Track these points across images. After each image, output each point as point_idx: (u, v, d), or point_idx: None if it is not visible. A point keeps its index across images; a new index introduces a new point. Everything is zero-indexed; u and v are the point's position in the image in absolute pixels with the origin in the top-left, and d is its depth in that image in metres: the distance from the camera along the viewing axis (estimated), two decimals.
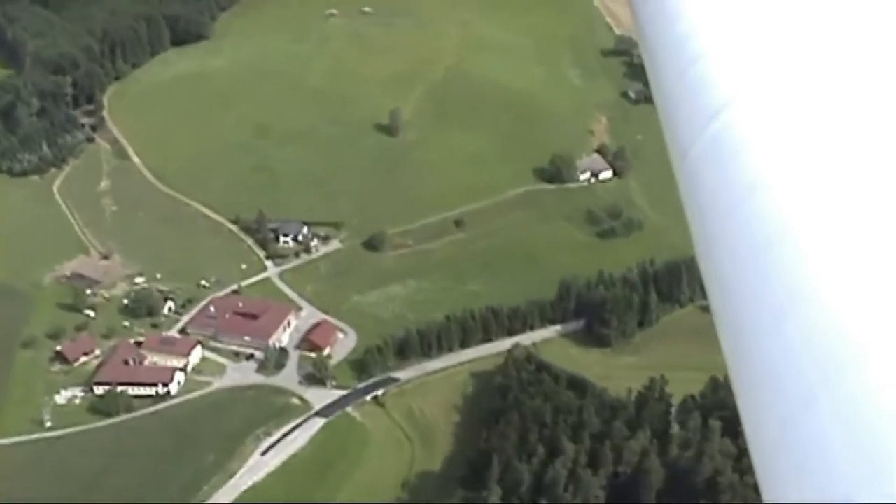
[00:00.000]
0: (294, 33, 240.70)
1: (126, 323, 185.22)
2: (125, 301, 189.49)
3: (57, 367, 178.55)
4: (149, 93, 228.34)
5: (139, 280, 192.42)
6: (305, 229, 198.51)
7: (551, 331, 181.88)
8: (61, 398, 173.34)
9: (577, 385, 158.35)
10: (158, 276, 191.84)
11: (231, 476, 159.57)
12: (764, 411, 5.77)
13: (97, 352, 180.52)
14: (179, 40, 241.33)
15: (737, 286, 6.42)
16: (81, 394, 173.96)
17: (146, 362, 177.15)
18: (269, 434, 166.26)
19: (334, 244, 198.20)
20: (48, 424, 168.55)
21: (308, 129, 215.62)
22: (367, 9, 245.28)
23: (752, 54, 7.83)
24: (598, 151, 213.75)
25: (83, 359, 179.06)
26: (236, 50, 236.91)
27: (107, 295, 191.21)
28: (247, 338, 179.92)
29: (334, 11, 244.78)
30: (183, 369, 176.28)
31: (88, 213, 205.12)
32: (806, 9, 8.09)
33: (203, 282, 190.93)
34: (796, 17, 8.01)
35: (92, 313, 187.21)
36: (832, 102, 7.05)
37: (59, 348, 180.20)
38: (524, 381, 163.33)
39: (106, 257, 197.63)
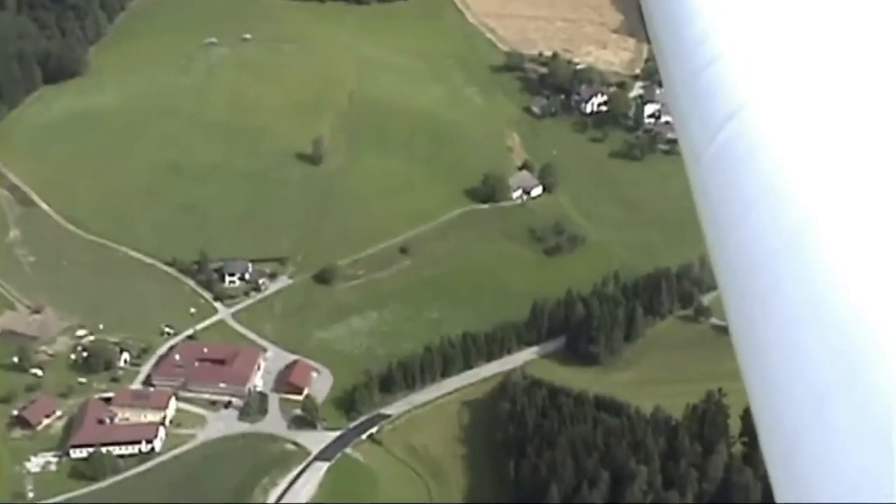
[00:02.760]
0: (175, 65, 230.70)
1: (82, 379, 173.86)
2: (73, 356, 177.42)
3: (18, 432, 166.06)
4: (38, 134, 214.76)
5: (81, 333, 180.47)
6: (251, 267, 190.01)
7: (529, 352, 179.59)
8: (33, 466, 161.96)
9: (606, 406, 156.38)
10: (101, 326, 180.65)
11: None
12: (778, 413, 5.85)
13: (58, 412, 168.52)
14: (51, 78, 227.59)
15: (751, 288, 6.51)
16: (55, 459, 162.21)
17: (119, 419, 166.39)
18: (274, 484, 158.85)
19: (283, 280, 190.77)
20: (31, 495, 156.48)
21: (223, 163, 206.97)
22: (247, 36, 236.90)
23: (766, 57, 7.98)
24: (523, 168, 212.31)
25: (45, 421, 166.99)
26: (120, 85, 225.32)
27: (50, 351, 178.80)
28: (222, 385, 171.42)
29: (214, 40, 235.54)
30: (163, 423, 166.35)
31: (4, 266, 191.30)
32: (821, 11, 8.27)
33: (166, 328, 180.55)
34: (811, 20, 8.18)
35: (39, 372, 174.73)
36: (847, 105, 7.17)
37: (16, 412, 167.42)
38: (539, 406, 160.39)
39: (37, 311, 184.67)
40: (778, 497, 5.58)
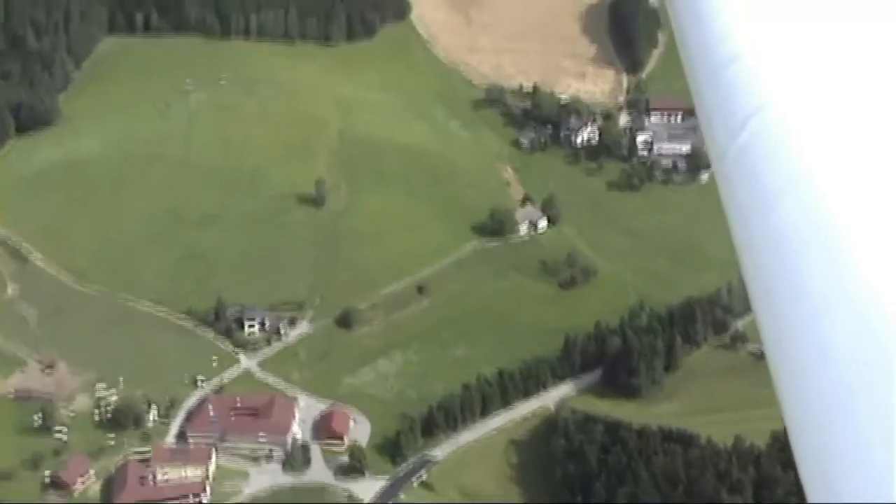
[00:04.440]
0: (152, 110, 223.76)
1: (111, 437, 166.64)
2: (97, 414, 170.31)
3: (53, 496, 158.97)
4: (21, 185, 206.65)
5: (101, 389, 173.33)
6: (269, 314, 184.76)
7: (565, 388, 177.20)
8: None
9: (675, 438, 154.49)
10: (121, 382, 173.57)
11: None
12: (806, 408, 6.01)
13: (91, 472, 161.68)
14: (23, 128, 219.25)
15: (778, 282, 6.70)
16: None
17: (160, 477, 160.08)
18: None
19: (303, 326, 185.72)
20: None
21: (222, 209, 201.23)
22: (223, 79, 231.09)
23: (788, 54, 8.21)
24: (525, 202, 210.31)
25: (80, 483, 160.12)
26: (98, 132, 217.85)
27: (71, 410, 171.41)
28: (261, 436, 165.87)
29: (189, 84, 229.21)
30: (206, 479, 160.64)
31: (7, 325, 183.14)
32: (840, 9, 8.54)
33: (199, 379, 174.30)
34: (831, 17, 8.45)
35: (65, 431, 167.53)
36: (868, 101, 7.41)
37: (49, 475, 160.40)
38: (597, 442, 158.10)
39: (50, 366, 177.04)
40: (809, 497, 5.69)
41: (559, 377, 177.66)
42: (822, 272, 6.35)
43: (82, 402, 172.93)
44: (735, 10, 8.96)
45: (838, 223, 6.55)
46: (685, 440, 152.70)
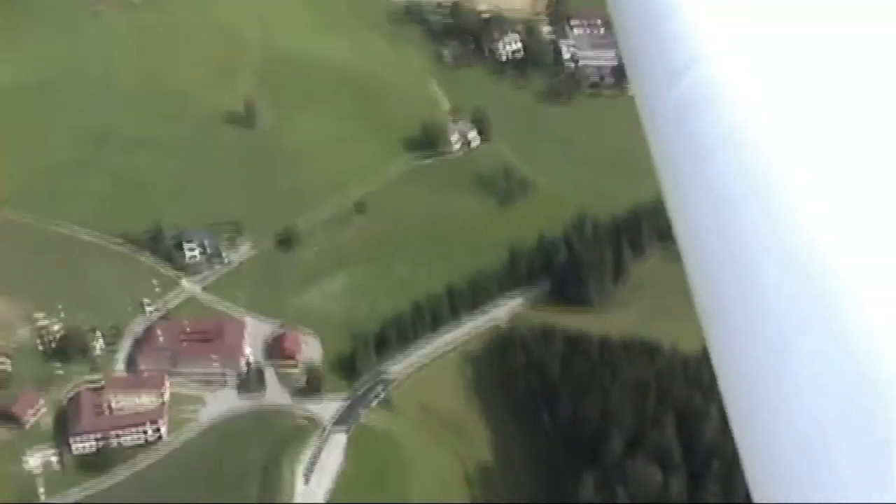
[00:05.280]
0: (61, 33, 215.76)
1: (58, 367, 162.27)
2: (39, 344, 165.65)
3: (5, 430, 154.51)
4: None
5: (40, 318, 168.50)
6: (210, 237, 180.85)
7: (514, 301, 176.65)
8: (32, 464, 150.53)
9: (638, 347, 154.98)
10: (61, 311, 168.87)
11: None
12: (740, 360, 5.98)
13: (43, 405, 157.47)
14: None
15: (715, 236, 6.72)
16: (55, 455, 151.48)
17: (114, 406, 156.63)
18: (298, 460, 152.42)
19: (244, 248, 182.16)
20: (42, 496, 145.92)
21: (149, 132, 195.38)
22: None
23: (725, 6, 8.21)
24: (454, 117, 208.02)
25: (32, 415, 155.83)
26: (9, 57, 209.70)
27: (12, 341, 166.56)
28: (214, 361, 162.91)
29: (100, 6, 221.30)
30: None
31: None
32: None
33: (145, 303, 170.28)
34: None
35: (8, 364, 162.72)
36: (811, 50, 7.46)
37: None
38: (558, 354, 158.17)
39: None
40: (755, 497, 5.47)
41: (507, 291, 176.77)
42: (758, 226, 6.14)
43: (23, 332, 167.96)
44: None
45: (777, 176, 6.34)
46: (649, 349, 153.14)
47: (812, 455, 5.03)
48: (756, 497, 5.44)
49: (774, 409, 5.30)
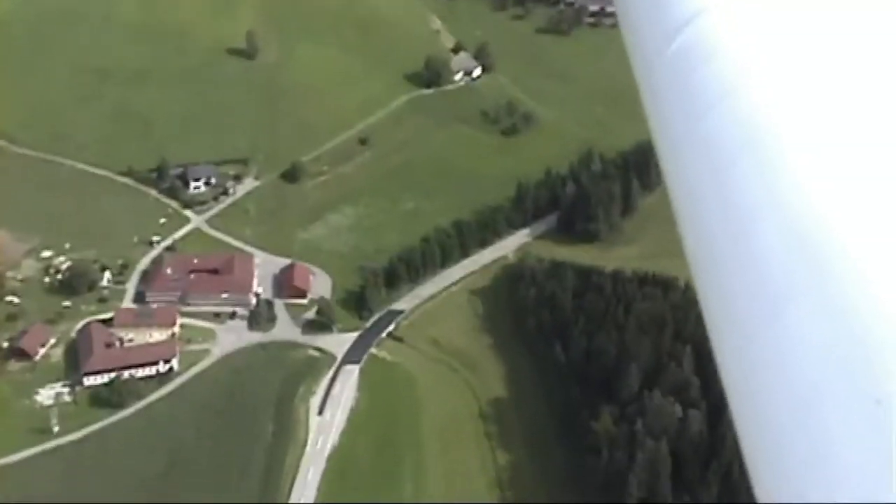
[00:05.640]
0: None
1: (66, 303, 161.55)
2: (47, 279, 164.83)
3: (15, 365, 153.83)
4: None
5: (47, 254, 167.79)
6: (214, 170, 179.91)
7: (521, 235, 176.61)
8: (45, 398, 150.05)
9: (652, 282, 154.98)
10: (67, 246, 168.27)
11: (304, 444, 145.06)
12: (735, 313, 5.96)
13: (53, 340, 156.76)
14: None
15: (706, 193, 6.73)
16: (67, 389, 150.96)
17: (125, 339, 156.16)
18: (312, 393, 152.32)
19: (250, 182, 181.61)
20: (56, 430, 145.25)
21: (152, 66, 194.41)
22: None
23: None
24: (457, 50, 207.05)
25: (42, 350, 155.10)
26: None
27: (19, 276, 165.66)
28: (224, 295, 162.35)
29: None
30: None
31: None
32: None
33: (154, 238, 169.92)
34: None
35: (16, 299, 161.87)
36: (806, 10, 7.45)
37: (7, 344, 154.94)
38: (570, 289, 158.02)
39: None
40: (729, 384, 5.58)
41: (514, 226, 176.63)
42: (754, 180, 6.10)
43: (29, 267, 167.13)
44: None
45: (773, 131, 6.31)
46: (663, 283, 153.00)
47: (804, 413, 4.97)
48: (748, 457, 5.41)
49: (768, 369, 5.26)
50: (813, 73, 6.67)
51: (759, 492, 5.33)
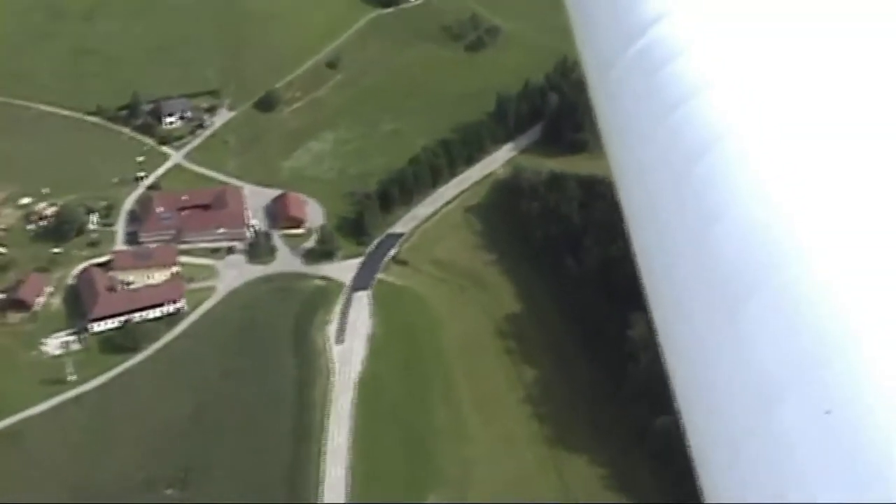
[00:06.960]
0: None
1: (56, 249, 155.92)
2: (30, 227, 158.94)
3: (16, 316, 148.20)
4: None
5: (25, 201, 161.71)
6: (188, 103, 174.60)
7: (507, 149, 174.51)
8: (52, 349, 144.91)
9: None
10: (45, 191, 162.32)
11: (329, 375, 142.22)
12: (688, 323, 6.00)
13: (49, 289, 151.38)
14: None
15: (666, 194, 6.65)
16: (73, 338, 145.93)
17: (127, 282, 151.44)
18: (327, 321, 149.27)
19: (224, 113, 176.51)
20: (72, 378, 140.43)
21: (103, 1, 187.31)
22: None
23: None
24: None
25: (40, 300, 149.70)
26: None
27: (1, 226, 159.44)
28: (219, 230, 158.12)
29: None
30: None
31: None
32: None
33: (140, 174, 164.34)
34: None
35: (2, 249, 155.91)
36: (767, 15, 7.42)
37: (2, 296, 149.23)
38: (574, 199, 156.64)
39: None
40: (680, 381, 5.75)
41: (498, 140, 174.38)
42: (716, 179, 6.06)
43: (9, 216, 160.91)
44: None
45: (733, 132, 6.29)
46: None
47: (760, 408, 4.81)
48: (697, 453, 5.29)
49: (723, 364, 5.14)
50: (773, 76, 6.66)
51: (709, 492, 5.26)
